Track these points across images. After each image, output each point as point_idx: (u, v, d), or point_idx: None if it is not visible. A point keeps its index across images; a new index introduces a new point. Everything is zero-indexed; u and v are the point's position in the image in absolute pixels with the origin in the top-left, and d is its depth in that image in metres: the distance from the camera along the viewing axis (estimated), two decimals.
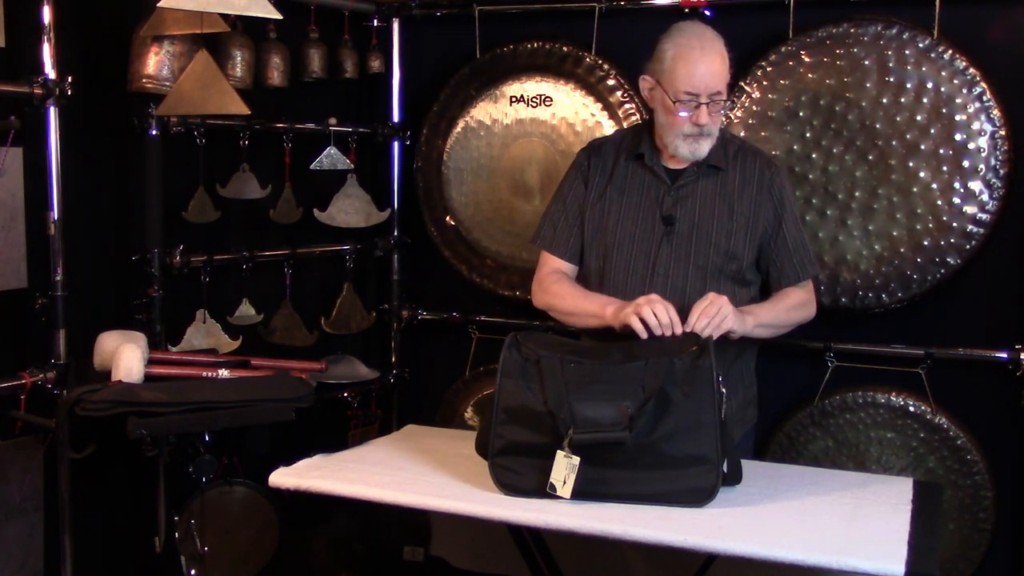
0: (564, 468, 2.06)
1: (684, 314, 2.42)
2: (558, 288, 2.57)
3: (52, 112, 2.53)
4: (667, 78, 2.42)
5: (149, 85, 2.68)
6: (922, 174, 2.91)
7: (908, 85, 2.90)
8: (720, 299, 2.30)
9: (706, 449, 2.07)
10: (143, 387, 2.36)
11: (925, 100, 2.89)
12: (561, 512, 2.02)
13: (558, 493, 2.06)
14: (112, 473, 2.84)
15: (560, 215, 2.63)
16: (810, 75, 3.00)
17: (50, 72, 2.52)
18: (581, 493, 2.07)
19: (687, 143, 2.44)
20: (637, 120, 3.20)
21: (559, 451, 2.06)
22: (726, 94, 2.43)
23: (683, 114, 2.40)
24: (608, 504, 2.07)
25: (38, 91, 2.50)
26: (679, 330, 2.27)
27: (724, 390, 2.13)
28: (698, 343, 2.16)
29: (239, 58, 2.95)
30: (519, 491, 2.12)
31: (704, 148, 2.45)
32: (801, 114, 3.02)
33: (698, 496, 2.06)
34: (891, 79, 2.92)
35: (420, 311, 3.63)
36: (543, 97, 3.34)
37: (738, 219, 2.48)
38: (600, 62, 3.26)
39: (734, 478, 2.17)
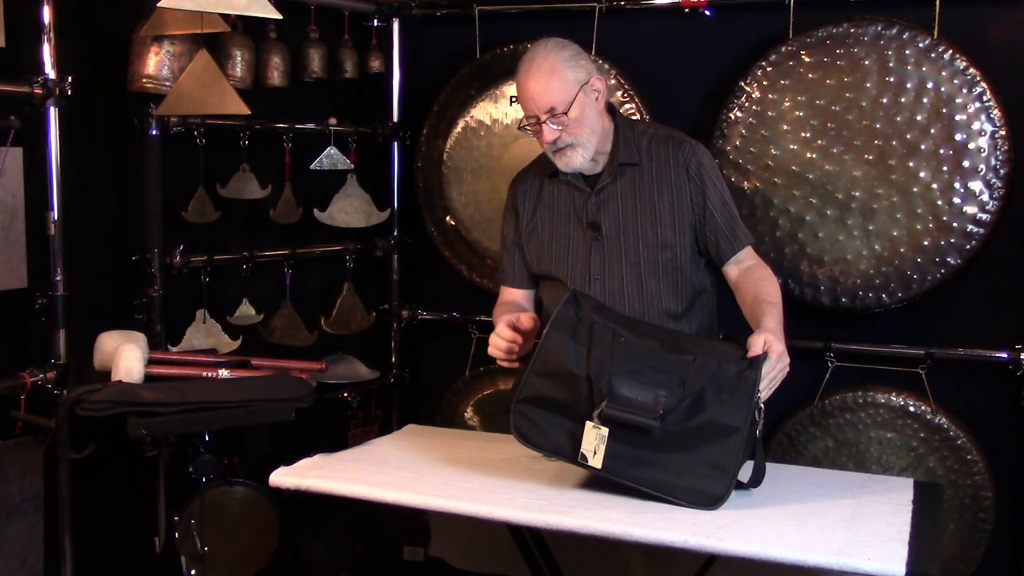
0: (594, 439, 2.08)
1: (636, 312, 2.47)
2: (494, 313, 2.67)
3: (52, 112, 2.54)
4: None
5: (149, 85, 2.69)
6: (922, 174, 2.91)
7: (908, 85, 2.90)
8: (783, 356, 2.20)
9: (727, 458, 2.07)
10: (143, 387, 2.36)
11: (925, 100, 2.89)
12: (561, 512, 2.02)
13: (589, 463, 2.08)
14: (112, 473, 2.84)
15: (504, 251, 2.73)
16: (810, 75, 3.00)
17: (50, 72, 2.52)
18: (597, 473, 2.09)
19: (557, 158, 2.49)
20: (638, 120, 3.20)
21: (588, 422, 2.08)
22: (567, 105, 2.40)
23: (535, 136, 2.48)
24: (609, 504, 2.07)
25: (38, 91, 2.50)
26: (516, 346, 2.38)
27: (762, 407, 2.11)
28: (747, 354, 2.14)
29: (239, 58, 2.95)
30: (534, 444, 2.15)
31: (575, 160, 2.48)
32: (801, 114, 3.02)
33: (706, 500, 2.06)
34: (891, 79, 2.92)
35: (420, 311, 3.63)
36: None
37: (661, 208, 2.50)
38: (600, 62, 3.26)
39: (756, 481, 2.17)
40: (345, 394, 3.39)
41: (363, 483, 2.20)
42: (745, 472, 2.17)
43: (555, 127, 2.43)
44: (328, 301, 3.43)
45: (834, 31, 2.97)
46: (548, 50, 2.46)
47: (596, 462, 2.08)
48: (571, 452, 2.11)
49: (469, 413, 3.55)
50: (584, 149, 2.47)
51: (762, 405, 2.12)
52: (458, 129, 3.45)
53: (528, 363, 2.20)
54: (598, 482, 2.18)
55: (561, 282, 2.56)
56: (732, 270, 2.53)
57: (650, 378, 2.09)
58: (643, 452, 2.08)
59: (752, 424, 2.10)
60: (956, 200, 2.89)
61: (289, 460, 2.32)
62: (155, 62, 2.68)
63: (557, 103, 2.41)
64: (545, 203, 2.61)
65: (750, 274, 2.50)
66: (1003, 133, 2.83)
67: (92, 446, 2.44)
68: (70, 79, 2.55)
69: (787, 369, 2.23)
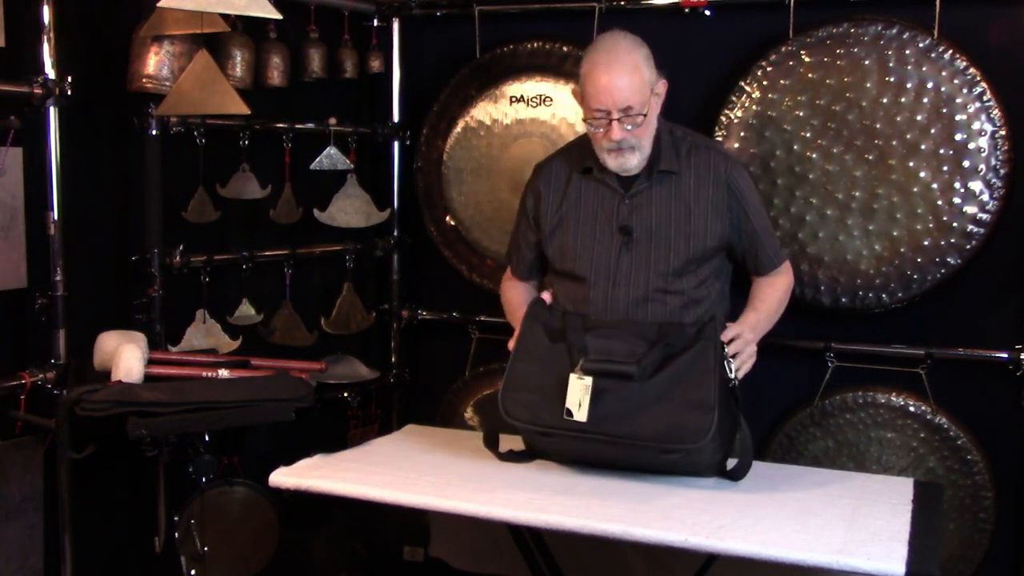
0: (578, 391, 2.17)
1: (646, 322, 2.49)
2: (506, 295, 2.78)
3: (52, 112, 2.54)
4: (582, 95, 2.45)
5: (149, 85, 2.68)
6: (922, 174, 2.91)
7: (908, 85, 2.90)
8: (751, 344, 2.41)
9: (705, 393, 2.14)
10: (143, 387, 2.36)
11: (925, 100, 2.89)
12: (561, 512, 2.02)
13: (575, 417, 2.16)
14: (112, 473, 2.84)
15: (519, 239, 2.72)
16: (810, 75, 3.00)
17: (50, 72, 2.52)
18: (587, 434, 2.17)
19: (612, 157, 2.44)
20: None
21: (572, 374, 2.18)
22: (644, 106, 2.38)
23: (597, 131, 2.41)
24: (609, 504, 2.07)
25: (38, 91, 2.50)
26: None
27: (732, 360, 2.27)
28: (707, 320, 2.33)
29: (239, 58, 2.95)
30: (524, 420, 2.23)
31: (631, 161, 2.45)
32: (801, 114, 3.02)
33: (695, 436, 2.12)
34: (891, 79, 2.92)
35: (420, 311, 3.63)
36: (543, 97, 3.34)
37: (696, 220, 2.48)
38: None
39: (742, 471, 2.25)
40: (345, 394, 3.39)
41: (363, 483, 2.20)
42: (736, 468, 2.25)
43: (629, 126, 2.38)
44: (328, 301, 3.43)
45: (834, 31, 2.97)
46: (630, 46, 2.41)
47: (581, 415, 2.16)
48: (559, 424, 2.19)
49: (469, 413, 3.55)
50: (642, 152, 2.44)
51: (731, 359, 2.26)
52: (458, 129, 3.45)
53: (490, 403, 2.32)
54: (598, 481, 2.19)
55: (583, 280, 2.52)
56: (759, 279, 2.60)
57: (622, 338, 2.26)
58: (625, 406, 2.16)
59: (722, 371, 2.19)
60: (956, 200, 2.89)
61: (289, 460, 2.32)
62: (155, 62, 2.67)
63: (635, 103, 2.37)
64: (571, 199, 2.56)
65: (763, 282, 2.59)
66: (1003, 133, 2.83)
67: (92, 446, 2.44)
68: (70, 79, 2.55)
69: (753, 351, 2.40)
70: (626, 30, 2.49)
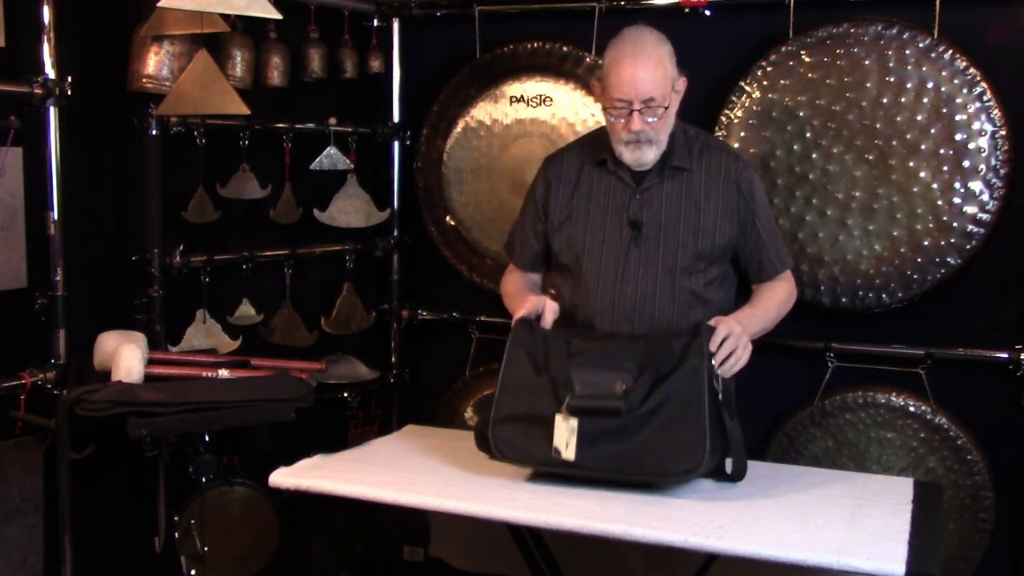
0: (564, 432, 2.12)
1: (652, 319, 2.49)
2: (506, 288, 2.72)
3: (52, 112, 2.54)
4: (603, 85, 2.46)
5: (149, 85, 2.69)
6: (922, 174, 2.91)
7: (908, 85, 2.90)
8: (743, 337, 2.31)
9: (696, 418, 2.11)
10: (143, 387, 2.36)
11: (925, 100, 2.89)
12: (561, 512, 2.02)
13: (563, 456, 2.13)
14: (112, 473, 2.84)
15: (527, 229, 2.70)
16: (810, 75, 3.00)
17: (50, 72, 2.52)
18: (578, 470, 2.13)
19: (629, 150, 2.45)
20: None
21: (558, 415, 2.13)
22: (665, 99, 2.40)
23: (618, 121, 2.42)
24: (609, 504, 2.07)
25: (38, 91, 2.50)
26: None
27: (719, 372, 2.19)
28: (693, 332, 2.25)
29: (239, 58, 2.95)
30: (514, 459, 2.20)
31: (648, 155, 2.46)
32: (801, 114, 3.02)
33: (687, 465, 2.09)
34: (891, 79, 2.92)
35: (420, 311, 3.63)
36: (543, 97, 3.34)
37: (706, 218, 2.49)
38: (600, 62, 3.25)
39: (739, 474, 2.22)
40: (345, 394, 3.39)
41: (363, 483, 2.20)
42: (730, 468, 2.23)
43: (650, 119, 2.40)
44: (328, 301, 3.43)
45: (834, 31, 2.97)
46: (656, 40, 2.44)
47: (569, 454, 2.12)
48: (549, 461, 2.15)
49: (469, 413, 3.55)
50: (658, 147, 2.46)
51: (719, 373, 2.20)
52: (458, 129, 3.45)
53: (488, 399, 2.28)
54: (598, 482, 2.18)
55: (589, 274, 2.51)
56: (760, 285, 2.58)
57: (607, 365, 2.18)
58: (615, 441, 2.12)
59: (712, 392, 2.14)
60: (956, 200, 2.89)
61: (289, 460, 2.32)
62: (155, 62, 2.68)
63: (658, 95, 2.39)
64: (583, 191, 2.57)
65: (764, 286, 2.57)
66: (1003, 133, 2.83)
67: (92, 446, 2.44)
68: (70, 79, 2.55)
69: (747, 343, 2.31)
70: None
